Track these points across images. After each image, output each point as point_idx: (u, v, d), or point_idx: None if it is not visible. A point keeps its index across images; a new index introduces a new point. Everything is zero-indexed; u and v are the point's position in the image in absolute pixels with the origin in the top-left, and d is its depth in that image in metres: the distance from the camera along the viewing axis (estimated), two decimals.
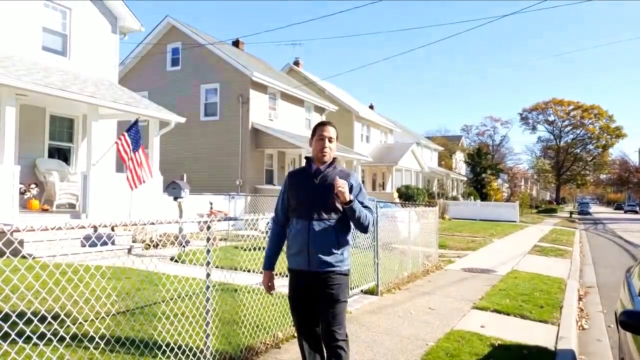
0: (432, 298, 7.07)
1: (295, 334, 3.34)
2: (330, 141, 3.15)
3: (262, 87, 20.82)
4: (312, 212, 3.04)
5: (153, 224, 3.34)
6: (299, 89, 23.75)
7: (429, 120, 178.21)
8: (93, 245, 8.63)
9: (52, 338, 3.24)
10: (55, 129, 12.35)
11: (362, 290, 6.93)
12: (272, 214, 3.43)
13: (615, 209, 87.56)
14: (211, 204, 14.29)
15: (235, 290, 5.79)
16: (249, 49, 28.70)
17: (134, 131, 10.58)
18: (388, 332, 5.21)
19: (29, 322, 3.06)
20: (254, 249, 5.50)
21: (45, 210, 10.94)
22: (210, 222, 3.77)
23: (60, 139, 12.52)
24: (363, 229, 3.12)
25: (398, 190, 28.30)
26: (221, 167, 20.34)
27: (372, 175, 33.23)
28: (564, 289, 8.26)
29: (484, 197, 42.82)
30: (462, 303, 6.81)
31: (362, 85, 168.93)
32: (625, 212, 71.79)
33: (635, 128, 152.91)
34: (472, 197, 40.98)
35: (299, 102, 23.75)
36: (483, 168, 46.22)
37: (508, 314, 6.27)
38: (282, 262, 3.31)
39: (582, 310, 7.23)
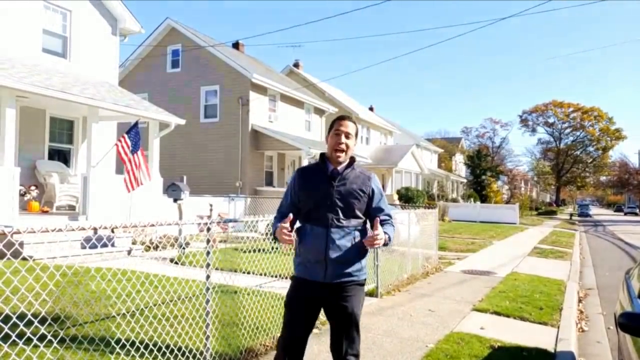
0: (431, 300, 7.07)
1: (280, 338, 2.95)
2: (347, 137, 2.85)
3: (262, 89, 20.84)
4: (331, 219, 2.76)
5: (153, 225, 3.33)
6: (299, 90, 23.77)
7: (429, 122, 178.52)
8: (93, 247, 8.66)
9: (53, 340, 3.25)
10: (55, 130, 12.37)
11: None
12: (272, 216, 3.15)
13: (615, 211, 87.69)
14: (211, 205, 14.27)
15: (235, 292, 5.79)
16: (249, 51, 28.79)
17: (133, 133, 10.58)
18: (388, 334, 5.22)
19: (29, 323, 3.07)
20: (254, 250, 5.51)
21: (45, 212, 10.95)
22: (210, 224, 3.77)
23: (60, 141, 12.54)
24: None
25: (398, 192, 28.31)
26: (221, 169, 20.35)
27: None
28: (564, 291, 8.26)
29: (484, 199, 42.84)
30: (462, 305, 6.82)
31: (362, 87, 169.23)
32: (625, 214, 71.85)
33: (635, 130, 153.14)
34: (472, 199, 40.97)
35: (298, 103, 23.77)
36: (483, 170, 46.25)
37: (508, 316, 6.28)
38: (280, 265, 3.31)
39: (581, 312, 7.23)
